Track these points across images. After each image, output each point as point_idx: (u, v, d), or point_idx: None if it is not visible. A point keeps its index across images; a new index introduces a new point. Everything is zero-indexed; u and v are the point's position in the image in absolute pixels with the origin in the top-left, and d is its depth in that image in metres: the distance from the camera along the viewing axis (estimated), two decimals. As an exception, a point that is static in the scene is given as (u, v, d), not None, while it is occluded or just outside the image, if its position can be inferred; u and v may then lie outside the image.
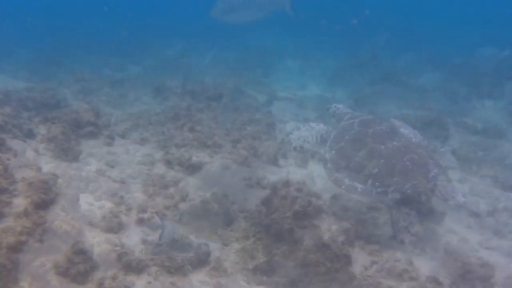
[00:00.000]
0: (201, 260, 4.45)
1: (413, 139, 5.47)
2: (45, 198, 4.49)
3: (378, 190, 4.81)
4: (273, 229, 4.79)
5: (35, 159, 5.25)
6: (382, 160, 4.90)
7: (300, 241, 4.48)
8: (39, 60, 17.19)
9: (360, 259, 4.90)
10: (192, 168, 6.85)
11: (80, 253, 4.00)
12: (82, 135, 6.91)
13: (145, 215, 4.97)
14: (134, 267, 4.14)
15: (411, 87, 14.66)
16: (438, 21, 29.39)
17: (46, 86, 12.05)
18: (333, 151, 5.29)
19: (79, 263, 3.93)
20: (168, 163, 6.90)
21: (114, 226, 4.62)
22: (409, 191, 4.81)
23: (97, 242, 4.35)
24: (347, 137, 5.31)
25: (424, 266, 4.88)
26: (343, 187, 4.99)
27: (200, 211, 5.02)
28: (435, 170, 5.10)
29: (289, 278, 4.41)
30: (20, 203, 4.39)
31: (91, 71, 17.19)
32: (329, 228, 4.55)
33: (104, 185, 5.43)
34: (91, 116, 7.13)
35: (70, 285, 3.80)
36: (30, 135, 5.90)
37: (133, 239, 4.58)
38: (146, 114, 10.53)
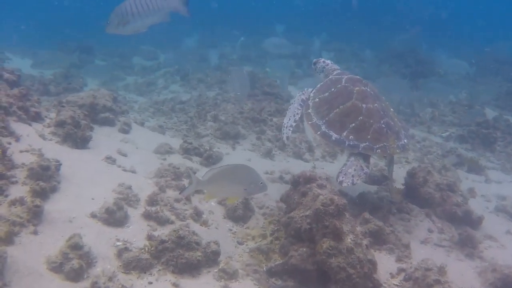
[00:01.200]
0: (209, 260, 4.03)
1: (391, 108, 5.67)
2: (44, 186, 4.16)
3: (351, 143, 5.01)
4: (291, 228, 4.32)
5: (39, 144, 4.90)
6: (361, 117, 5.09)
7: (320, 243, 3.99)
8: (69, 46, 17.18)
9: (387, 265, 4.39)
10: (211, 159, 6.44)
11: (76, 247, 3.64)
12: (97, 121, 6.59)
13: (153, 208, 4.57)
14: (134, 265, 3.76)
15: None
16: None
17: (70, 73, 11.92)
18: (317, 99, 5.41)
19: (73, 259, 3.56)
20: (186, 153, 6.51)
21: (118, 219, 4.24)
22: (379, 150, 5.01)
23: (97, 236, 3.98)
24: (332, 89, 5.41)
25: (457, 276, 4.33)
26: (319, 132, 5.18)
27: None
28: (405, 140, 5.32)
29: (305, 284, 3.95)
30: (17, 190, 4.07)
31: (121, 59, 17.13)
32: (352, 229, 4.04)
33: (112, 175, 5.05)
34: (107, 101, 6.80)
35: (63, 282, 3.43)
36: (37, 118, 5.57)
37: (138, 234, 4.19)
38: (171, 102, 10.22)
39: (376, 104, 5.22)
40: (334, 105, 5.24)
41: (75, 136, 5.40)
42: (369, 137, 5.02)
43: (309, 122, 5.33)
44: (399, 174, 6.37)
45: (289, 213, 4.52)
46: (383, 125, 5.09)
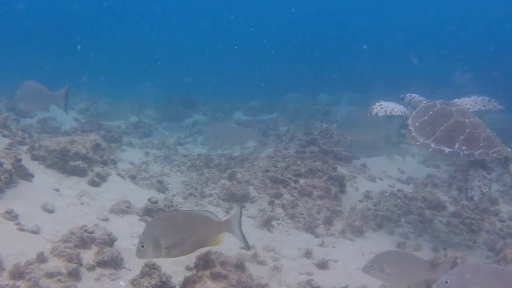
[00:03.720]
0: None
1: None
2: None
3: (465, 153, 5.12)
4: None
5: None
6: (467, 130, 5.24)
7: None
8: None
9: None
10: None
11: None
12: (65, 169, 5.85)
13: (10, 283, 3.49)
14: None
15: None
16: None
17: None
18: (417, 124, 5.55)
19: None
20: (147, 214, 5.37)
21: None
22: (495, 154, 5.07)
23: None
24: (430, 113, 5.55)
25: None
26: (430, 150, 5.32)
27: None
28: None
29: None
30: None
31: (223, 114, 16.77)
32: None
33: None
34: (84, 147, 6.01)
35: None
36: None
37: None
38: (220, 157, 9.25)
39: (476, 119, 5.45)
40: (437, 124, 5.39)
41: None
42: (481, 144, 5.13)
43: (417, 143, 5.45)
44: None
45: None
46: (490, 134, 5.25)
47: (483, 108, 5.96)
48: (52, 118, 10.76)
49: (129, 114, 12.73)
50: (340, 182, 7.06)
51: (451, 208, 7.29)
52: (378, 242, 5.76)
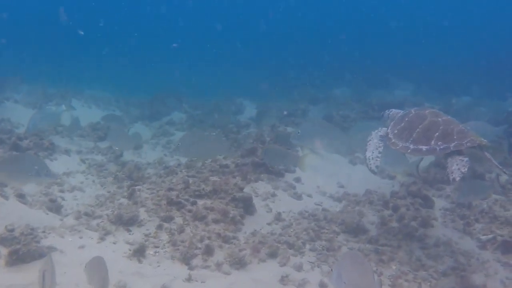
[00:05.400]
0: None
1: None
2: None
3: (441, 147, 5.48)
4: None
5: None
6: (441, 127, 5.61)
7: None
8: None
9: None
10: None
11: None
12: None
13: None
14: None
15: None
16: None
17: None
18: (395, 131, 5.98)
19: None
20: (2, 242, 5.04)
21: None
22: (469, 144, 5.39)
23: None
24: (406, 119, 5.98)
25: None
26: (409, 151, 5.72)
27: None
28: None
29: None
30: None
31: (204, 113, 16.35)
32: None
33: None
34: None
35: None
36: None
37: None
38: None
39: (449, 117, 5.84)
40: (413, 127, 5.79)
41: None
42: (455, 137, 5.47)
43: (397, 147, 5.85)
44: None
45: None
46: (463, 128, 5.60)
47: None
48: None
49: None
50: (246, 203, 6.57)
51: (373, 232, 6.72)
52: (256, 276, 5.27)
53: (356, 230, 6.62)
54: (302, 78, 22.89)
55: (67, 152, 9.27)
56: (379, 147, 6.14)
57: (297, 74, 23.93)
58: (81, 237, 5.63)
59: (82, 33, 24.16)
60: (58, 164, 8.64)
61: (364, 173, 9.41)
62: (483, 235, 6.82)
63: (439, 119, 5.75)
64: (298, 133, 8.51)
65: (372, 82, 20.30)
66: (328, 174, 8.90)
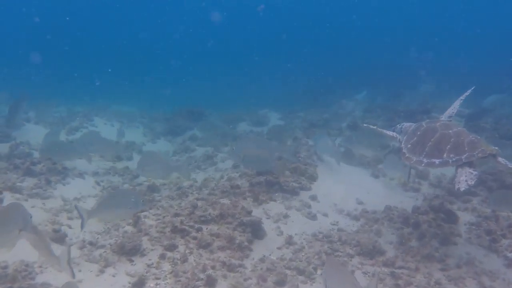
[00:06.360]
0: None
1: None
2: None
3: (453, 159, 5.56)
4: None
5: None
6: (452, 139, 5.70)
7: None
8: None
9: None
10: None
11: None
12: None
13: None
14: None
15: None
16: None
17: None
18: (409, 145, 6.13)
19: None
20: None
21: None
22: (480, 154, 5.46)
23: None
24: (418, 133, 6.12)
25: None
26: (423, 165, 5.81)
27: None
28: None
29: None
30: None
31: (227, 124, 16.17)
32: None
33: None
34: None
35: None
36: None
37: None
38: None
39: (459, 128, 5.94)
40: (426, 141, 5.91)
41: None
42: (466, 149, 5.55)
43: (411, 162, 5.98)
44: None
45: None
46: (473, 138, 5.66)
47: (460, 102, 6.43)
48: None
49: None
50: (254, 228, 6.27)
51: (390, 253, 6.32)
52: None
53: (372, 252, 6.24)
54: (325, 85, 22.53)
55: (81, 175, 9.18)
56: (391, 134, 6.79)
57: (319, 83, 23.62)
58: (80, 270, 5.44)
59: (98, 83, 24.45)
60: (70, 188, 8.54)
61: (385, 187, 8.99)
62: (510, 252, 6.33)
63: (450, 131, 5.84)
64: (233, 149, 8.32)
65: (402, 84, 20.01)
66: (347, 189, 8.51)
